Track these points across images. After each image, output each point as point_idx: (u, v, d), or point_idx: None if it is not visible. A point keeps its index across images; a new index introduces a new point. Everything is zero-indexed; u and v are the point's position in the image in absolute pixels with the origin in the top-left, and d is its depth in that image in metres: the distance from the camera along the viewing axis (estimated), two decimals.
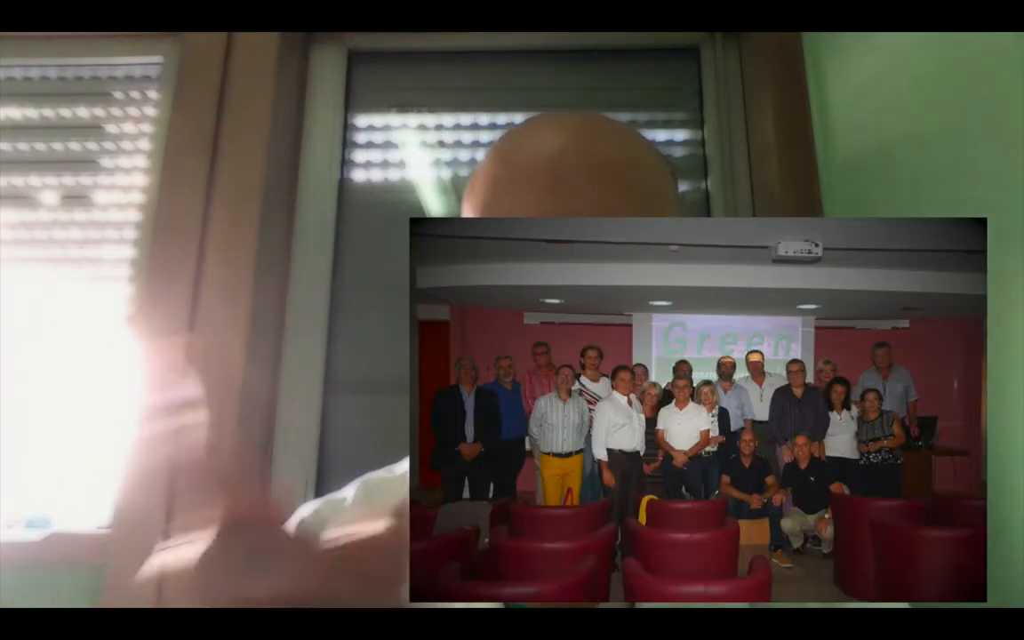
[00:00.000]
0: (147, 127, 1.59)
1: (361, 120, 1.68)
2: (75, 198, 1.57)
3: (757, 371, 2.81)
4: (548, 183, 0.60)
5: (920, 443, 2.95)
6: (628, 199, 0.61)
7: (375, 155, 1.66)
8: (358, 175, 1.65)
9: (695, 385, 2.54)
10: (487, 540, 1.83)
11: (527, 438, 2.64)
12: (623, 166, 0.63)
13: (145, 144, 1.58)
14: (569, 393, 2.42)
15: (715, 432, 2.49)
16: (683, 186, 1.61)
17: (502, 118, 1.65)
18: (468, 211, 0.69)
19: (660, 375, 3.02)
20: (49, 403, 1.47)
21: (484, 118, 1.65)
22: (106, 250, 1.54)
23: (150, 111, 1.60)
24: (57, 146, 1.59)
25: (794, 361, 2.63)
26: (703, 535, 1.80)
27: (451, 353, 3.22)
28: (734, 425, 2.59)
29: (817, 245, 1.96)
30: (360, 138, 1.67)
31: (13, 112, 1.61)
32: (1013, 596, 0.91)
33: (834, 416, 2.46)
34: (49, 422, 1.46)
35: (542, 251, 2.29)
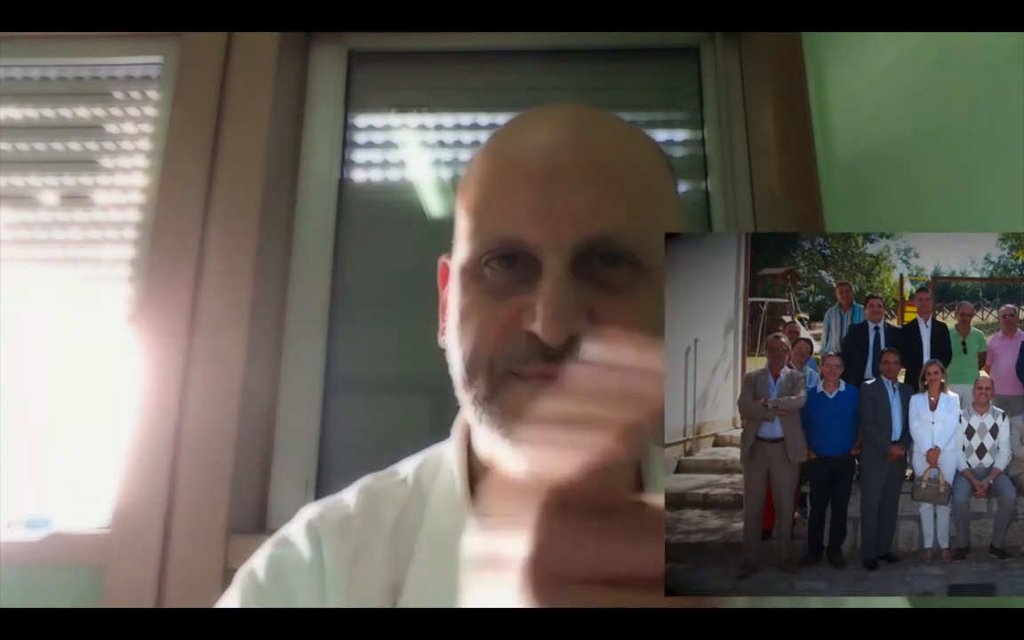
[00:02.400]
0: (147, 127, 1.59)
1: (361, 120, 1.67)
2: (75, 198, 1.57)
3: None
4: (542, 182, 0.58)
5: None
6: (624, 199, 0.60)
7: (375, 155, 1.66)
8: (358, 175, 1.64)
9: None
10: None
11: None
12: (620, 165, 0.61)
13: (145, 144, 1.58)
14: None
15: None
16: (683, 186, 1.61)
17: (502, 118, 1.64)
18: (461, 210, 0.66)
19: None
20: (49, 403, 1.47)
21: (484, 118, 1.65)
22: (106, 250, 1.54)
23: (150, 111, 1.60)
24: (57, 146, 1.59)
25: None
26: None
27: None
28: None
29: None
30: (360, 138, 1.67)
31: (13, 112, 1.61)
32: (1013, 596, 0.91)
33: None
34: (49, 422, 1.46)
35: None
